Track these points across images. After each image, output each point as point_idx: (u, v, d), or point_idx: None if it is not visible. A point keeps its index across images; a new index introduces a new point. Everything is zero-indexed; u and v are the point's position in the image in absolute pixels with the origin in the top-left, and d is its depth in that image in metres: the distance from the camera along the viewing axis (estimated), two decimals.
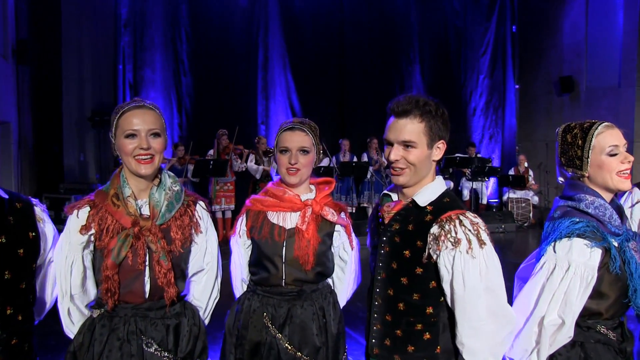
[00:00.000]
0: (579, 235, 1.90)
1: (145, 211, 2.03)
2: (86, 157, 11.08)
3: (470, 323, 1.82)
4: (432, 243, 1.84)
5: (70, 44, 10.68)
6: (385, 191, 2.11)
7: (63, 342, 4.44)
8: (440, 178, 2.00)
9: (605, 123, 2.00)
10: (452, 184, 11.61)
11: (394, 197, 2.06)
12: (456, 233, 1.81)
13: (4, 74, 8.35)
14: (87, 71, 10.92)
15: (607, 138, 1.97)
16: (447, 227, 1.83)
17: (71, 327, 2.10)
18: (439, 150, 1.94)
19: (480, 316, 1.81)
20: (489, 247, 1.82)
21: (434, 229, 1.84)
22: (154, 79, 10.63)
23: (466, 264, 1.79)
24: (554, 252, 1.95)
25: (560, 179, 2.15)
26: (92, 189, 9.94)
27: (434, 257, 1.85)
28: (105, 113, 10.62)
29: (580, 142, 2.00)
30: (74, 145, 10.95)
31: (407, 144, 1.89)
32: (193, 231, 2.13)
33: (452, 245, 1.80)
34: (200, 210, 2.21)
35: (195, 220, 2.15)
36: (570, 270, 1.90)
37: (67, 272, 2.02)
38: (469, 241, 1.80)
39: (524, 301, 2.01)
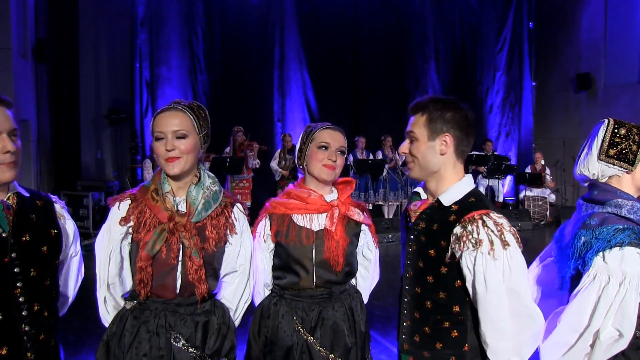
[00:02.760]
0: (630, 244, 1.83)
1: (183, 208, 2.08)
2: (103, 154, 11.19)
3: (493, 324, 1.80)
4: (454, 243, 1.83)
5: (87, 42, 10.79)
6: (415, 189, 2.12)
7: (83, 338, 4.53)
8: (468, 177, 1.98)
9: None
10: None
11: (423, 195, 2.06)
12: (478, 234, 1.79)
13: (23, 73, 8.45)
14: (104, 69, 11.03)
15: None
16: (469, 227, 1.81)
17: (106, 315, 2.16)
18: (445, 144, 1.92)
19: (503, 317, 1.79)
20: (513, 248, 1.79)
21: (457, 229, 1.83)
22: (170, 77, 10.70)
23: (488, 265, 1.77)
24: (605, 263, 1.86)
25: (593, 173, 2.06)
26: (109, 186, 10.17)
27: (457, 257, 1.84)
28: (122, 111, 10.74)
29: (637, 137, 1.97)
30: (91, 142, 11.07)
31: (410, 137, 1.98)
32: (228, 232, 2.16)
33: (474, 246, 1.79)
34: (237, 212, 2.22)
35: (231, 221, 2.17)
36: (625, 282, 1.82)
37: (105, 262, 2.08)
38: (491, 242, 1.78)
39: (575, 316, 1.91)
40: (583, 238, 1.95)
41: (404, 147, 2.01)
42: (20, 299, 1.85)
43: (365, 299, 2.50)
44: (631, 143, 1.97)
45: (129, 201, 2.10)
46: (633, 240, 1.84)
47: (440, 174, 1.95)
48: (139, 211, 2.06)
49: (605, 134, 2.03)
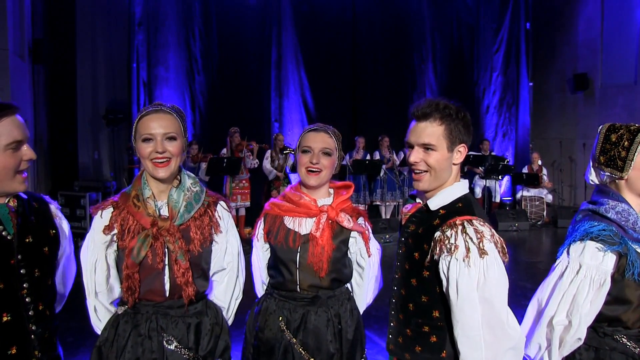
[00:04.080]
0: (592, 239, 1.89)
1: (165, 212, 2.08)
2: (100, 155, 11.18)
3: (464, 332, 1.78)
4: (433, 248, 1.83)
5: (84, 43, 10.78)
6: (411, 192, 2.13)
7: (81, 339, 4.53)
8: (461, 182, 1.98)
9: None
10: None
11: (419, 199, 2.07)
12: (455, 239, 1.79)
13: (21, 73, 8.43)
14: (101, 70, 11.02)
15: None
16: (447, 232, 1.81)
17: (98, 323, 2.17)
18: (460, 153, 1.94)
19: (474, 326, 1.76)
20: (492, 257, 1.76)
21: (437, 234, 1.84)
22: (167, 77, 10.68)
23: (461, 271, 1.76)
24: (567, 254, 1.96)
25: (591, 179, 2.11)
26: (107, 186, 10.16)
27: (436, 261, 1.84)
28: (119, 111, 10.73)
29: (626, 143, 1.96)
30: (89, 143, 11.05)
31: (426, 147, 1.89)
32: (213, 231, 2.16)
33: (448, 251, 1.78)
34: (221, 210, 2.22)
35: (215, 220, 2.17)
36: (580, 272, 1.89)
37: (92, 271, 2.09)
38: (467, 249, 1.76)
39: (537, 301, 2.03)
40: (567, 233, 2.05)
41: (417, 156, 1.91)
42: (27, 299, 1.89)
43: (362, 307, 2.48)
44: (620, 149, 1.98)
45: (111, 209, 2.10)
46: (597, 235, 1.89)
47: (447, 183, 1.96)
48: (122, 218, 2.06)
49: (598, 140, 2.07)
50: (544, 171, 11.93)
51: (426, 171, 1.91)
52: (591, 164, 2.10)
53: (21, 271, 1.88)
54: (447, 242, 1.79)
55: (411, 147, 1.94)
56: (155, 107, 2.06)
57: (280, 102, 11.46)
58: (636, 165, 1.96)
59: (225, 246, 2.24)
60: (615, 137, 2.00)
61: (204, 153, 9.35)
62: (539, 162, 11.93)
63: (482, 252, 1.75)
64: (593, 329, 1.95)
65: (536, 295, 2.05)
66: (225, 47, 10.98)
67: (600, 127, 2.09)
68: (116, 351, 2.05)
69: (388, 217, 10.72)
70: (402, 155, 10.97)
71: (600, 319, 1.93)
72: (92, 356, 2.12)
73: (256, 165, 9.62)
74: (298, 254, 2.26)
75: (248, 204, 9.49)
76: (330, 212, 2.28)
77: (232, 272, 2.27)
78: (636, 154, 1.95)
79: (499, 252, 1.80)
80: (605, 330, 1.95)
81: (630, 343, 1.93)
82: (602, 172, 2.06)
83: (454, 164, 1.95)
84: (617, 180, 2.02)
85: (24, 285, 1.89)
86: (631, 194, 2.01)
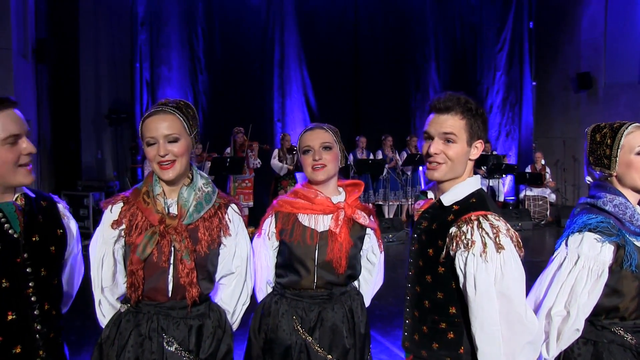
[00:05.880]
0: (590, 230, 1.91)
1: (174, 210, 2.06)
2: (103, 154, 11.20)
3: (482, 327, 1.78)
4: (449, 243, 1.83)
5: (87, 42, 10.79)
6: (423, 189, 2.12)
7: (84, 338, 4.53)
8: (474, 178, 1.98)
9: (636, 124, 2.00)
10: None
11: (430, 195, 2.05)
12: (472, 235, 1.78)
13: (24, 73, 8.44)
14: (104, 69, 11.05)
15: (638, 138, 1.97)
16: (464, 228, 1.80)
17: (102, 318, 2.16)
18: (477, 149, 1.94)
19: (492, 321, 1.76)
20: (509, 252, 1.77)
21: (452, 229, 1.83)
22: (170, 77, 10.70)
23: (478, 267, 1.75)
24: (566, 245, 1.98)
25: (588, 179, 2.15)
26: (110, 186, 10.17)
27: (452, 257, 1.84)
28: (122, 111, 10.74)
29: (609, 141, 2.00)
30: (92, 142, 11.07)
31: (447, 138, 1.89)
32: (222, 233, 2.13)
33: (465, 247, 1.78)
34: (232, 213, 2.19)
35: (224, 222, 2.14)
36: (579, 263, 1.91)
37: (99, 265, 2.09)
38: (484, 244, 1.76)
39: (535, 292, 2.04)
40: (566, 227, 2.07)
41: (438, 147, 1.90)
42: (32, 299, 1.88)
43: (367, 302, 2.50)
44: (604, 147, 2.02)
45: (121, 204, 2.09)
46: (595, 227, 1.92)
47: (460, 178, 1.96)
48: (131, 214, 2.05)
49: (588, 141, 2.10)
50: (547, 170, 11.90)
51: (443, 163, 1.91)
52: (585, 165, 2.14)
53: (27, 270, 1.87)
54: (463, 237, 1.79)
55: (430, 138, 1.93)
56: (158, 107, 2.04)
57: (283, 102, 11.47)
58: (621, 161, 1.99)
59: (234, 250, 2.20)
60: (599, 137, 2.04)
61: (208, 152, 9.34)
62: (542, 162, 11.90)
63: (499, 247, 1.76)
64: (590, 322, 1.96)
65: (534, 288, 2.06)
66: (228, 47, 10.99)
67: (586, 129, 2.13)
68: (117, 350, 2.04)
69: (391, 216, 10.70)
70: (404, 154, 10.96)
71: (597, 311, 1.95)
72: (94, 353, 2.11)
73: (259, 166, 9.62)
74: (316, 251, 2.26)
75: (251, 203, 9.48)
76: (346, 209, 2.29)
77: (240, 277, 2.24)
78: (619, 150, 1.98)
79: (515, 246, 1.80)
80: (602, 323, 1.97)
81: (627, 335, 1.95)
82: (594, 172, 2.09)
83: (469, 160, 1.95)
84: (609, 178, 2.05)
85: (30, 284, 1.88)
86: (625, 188, 2.03)
